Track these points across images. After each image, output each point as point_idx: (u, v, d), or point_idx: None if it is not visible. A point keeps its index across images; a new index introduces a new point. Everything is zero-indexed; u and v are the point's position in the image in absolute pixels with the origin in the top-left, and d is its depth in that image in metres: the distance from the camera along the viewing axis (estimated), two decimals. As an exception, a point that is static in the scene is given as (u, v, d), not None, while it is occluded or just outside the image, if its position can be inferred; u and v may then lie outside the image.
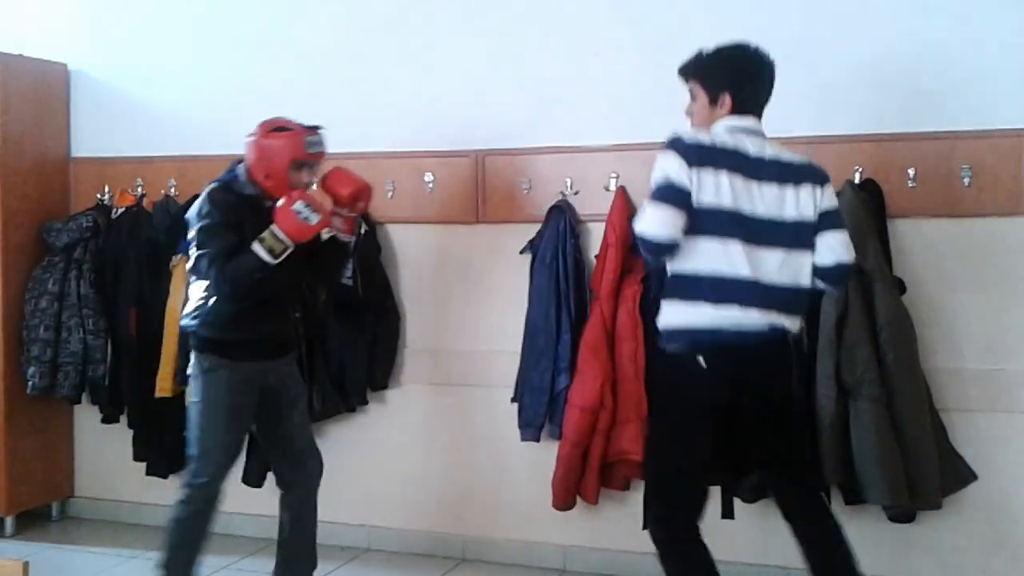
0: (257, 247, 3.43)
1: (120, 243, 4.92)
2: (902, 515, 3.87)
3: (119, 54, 5.18)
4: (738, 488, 4.01)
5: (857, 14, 4.04)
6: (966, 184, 3.88)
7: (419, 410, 4.68)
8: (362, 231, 4.53)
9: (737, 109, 3.15)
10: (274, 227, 3.44)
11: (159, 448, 4.87)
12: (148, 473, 4.91)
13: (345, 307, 4.54)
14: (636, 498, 4.19)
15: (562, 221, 4.25)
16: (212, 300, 3.56)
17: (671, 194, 3.00)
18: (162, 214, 4.91)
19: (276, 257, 3.43)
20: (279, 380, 3.77)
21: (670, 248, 3.03)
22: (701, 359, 3.07)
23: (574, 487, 4.14)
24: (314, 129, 3.66)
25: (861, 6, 4.03)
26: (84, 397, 5.06)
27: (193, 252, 3.56)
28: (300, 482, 3.89)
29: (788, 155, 3.16)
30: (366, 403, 4.68)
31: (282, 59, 4.86)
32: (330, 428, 4.75)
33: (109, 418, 5.02)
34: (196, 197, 4.79)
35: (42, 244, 4.97)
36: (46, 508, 5.21)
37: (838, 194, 3.86)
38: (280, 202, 3.48)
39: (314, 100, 4.78)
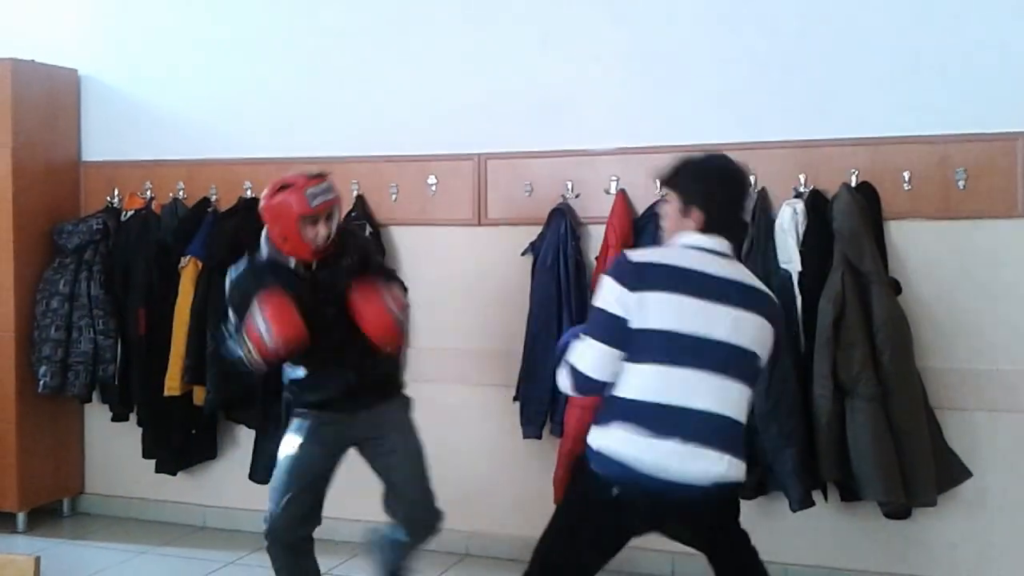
0: (241, 346, 3.22)
1: (129, 245, 4.92)
2: (897, 512, 3.86)
3: (128, 60, 5.18)
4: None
5: (853, 21, 4.03)
6: (960, 187, 3.87)
7: (423, 408, 4.63)
8: (366, 233, 4.53)
9: (706, 227, 2.82)
10: (248, 341, 3.19)
11: (168, 446, 4.87)
12: (157, 470, 4.91)
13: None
14: (636, 495, 4.19)
15: (563, 223, 4.24)
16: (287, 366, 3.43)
17: (607, 329, 2.73)
18: (170, 217, 4.92)
19: (253, 367, 3.23)
20: (370, 430, 3.53)
21: (602, 388, 2.78)
22: (615, 489, 2.74)
23: (575, 484, 4.13)
24: (318, 177, 3.31)
25: (857, 13, 4.02)
26: (94, 396, 5.06)
27: None
28: (411, 532, 3.64)
29: (755, 282, 2.86)
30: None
31: (287, 65, 4.85)
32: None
33: (119, 416, 5.01)
34: (205, 200, 4.88)
35: (53, 246, 4.97)
36: (57, 504, 5.21)
37: (835, 197, 3.90)
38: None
39: (319, 105, 4.79)
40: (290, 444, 3.48)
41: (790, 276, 3.92)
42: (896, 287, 3.87)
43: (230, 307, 3.39)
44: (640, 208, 4.23)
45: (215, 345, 3.43)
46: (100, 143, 5.22)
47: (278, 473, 3.51)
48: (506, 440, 4.42)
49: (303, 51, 4.84)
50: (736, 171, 2.91)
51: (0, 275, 4.87)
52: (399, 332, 3.42)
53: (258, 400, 4.59)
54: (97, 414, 5.18)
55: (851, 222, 3.80)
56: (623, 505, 2.76)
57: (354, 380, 3.42)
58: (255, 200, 4.74)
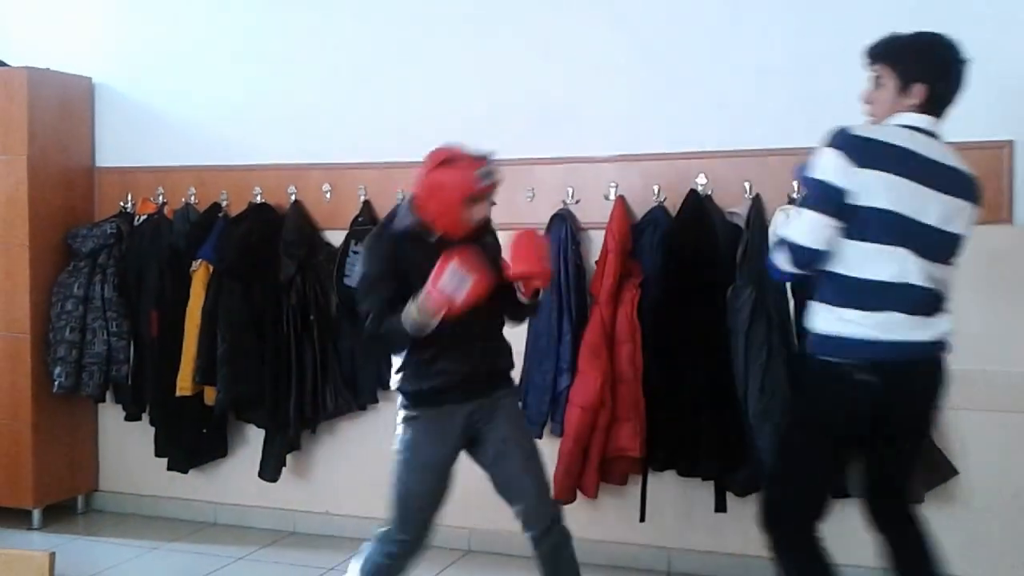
0: (406, 320, 2.97)
1: (142, 249, 4.95)
2: (888, 509, 3.88)
3: (141, 69, 5.21)
4: (731, 482, 4.03)
5: (844, 33, 4.04)
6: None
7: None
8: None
9: (926, 105, 2.81)
10: (421, 301, 2.94)
11: (179, 444, 4.89)
12: (169, 468, 4.93)
13: (356, 310, 4.54)
14: (634, 492, 4.21)
15: (564, 228, 4.26)
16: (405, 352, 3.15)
17: (827, 198, 2.73)
18: (182, 221, 4.94)
19: (422, 331, 2.97)
20: (484, 418, 3.24)
21: (820, 258, 2.77)
22: (857, 371, 2.79)
23: (575, 482, 4.16)
24: (484, 159, 3.12)
25: (848, 25, 4.04)
26: (108, 396, 5.09)
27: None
28: (541, 534, 3.29)
29: (962, 165, 2.86)
30: (376, 402, 4.69)
31: (297, 74, 4.88)
32: (342, 425, 4.78)
33: (132, 416, 5.04)
34: (216, 205, 4.89)
35: (68, 250, 5.00)
36: (72, 501, 5.23)
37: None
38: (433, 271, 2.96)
39: (328, 113, 4.81)
40: (414, 457, 3.20)
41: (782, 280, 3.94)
42: (887, 291, 3.89)
43: (370, 283, 3.11)
44: (639, 214, 4.26)
45: (369, 331, 3.09)
46: (113, 150, 5.25)
47: (407, 495, 3.21)
48: (508, 439, 4.44)
49: (312, 61, 4.86)
50: (956, 44, 2.87)
51: (16, 278, 4.90)
52: (547, 276, 3.18)
53: (267, 400, 4.62)
54: (110, 414, 5.21)
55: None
56: (864, 385, 2.78)
57: (479, 361, 3.20)
58: (265, 205, 4.80)
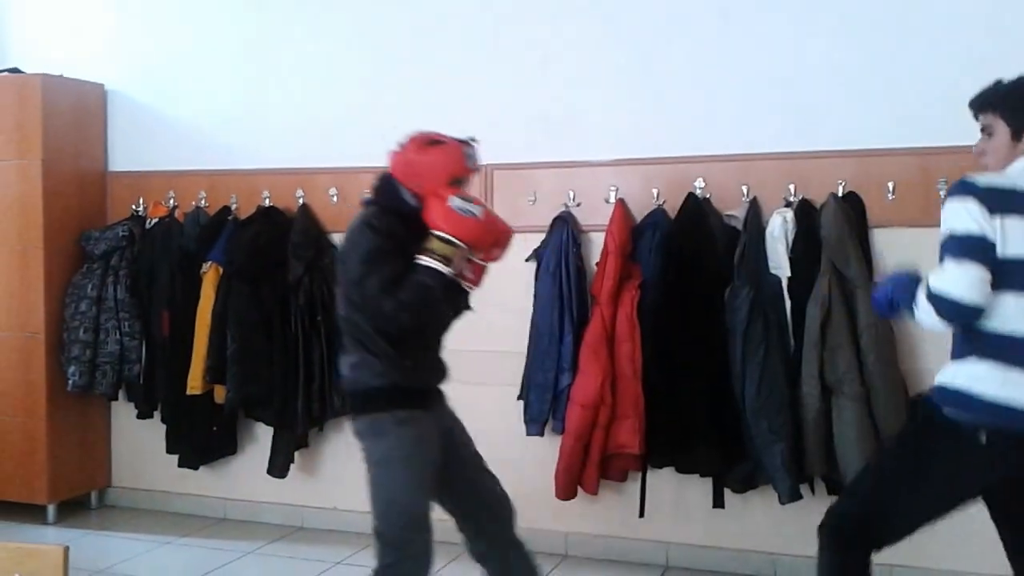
0: (426, 260, 2.76)
1: (154, 251, 4.96)
2: (882, 505, 3.88)
3: (152, 75, 5.22)
4: (729, 478, 4.03)
5: (840, 39, 4.05)
6: (942, 196, 3.87)
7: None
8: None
9: None
10: (438, 232, 2.77)
11: (190, 441, 4.90)
12: (180, 465, 4.93)
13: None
14: (633, 488, 4.21)
15: (565, 231, 4.27)
16: (392, 344, 2.87)
17: (976, 248, 2.44)
18: (193, 224, 4.95)
19: (449, 264, 2.78)
20: (450, 419, 3.14)
21: (978, 316, 2.47)
22: (983, 435, 2.50)
23: (575, 478, 4.16)
24: (470, 141, 3.00)
25: (844, 30, 4.04)
26: (121, 394, 5.10)
27: (353, 289, 2.84)
28: (498, 532, 3.17)
29: None
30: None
31: (305, 81, 4.88)
32: (348, 424, 4.77)
33: (144, 414, 5.04)
34: (226, 209, 4.90)
35: (81, 252, 5.01)
36: (85, 497, 5.24)
37: (822, 206, 3.92)
38: (432, 208, 2.82)
39: (335, 118, 4.82)
40: (404, 464, 2.94)
41: (780, 281, 3.94)
42: (881, 292, 3.89)
43: (383, 256, 2.80)
44: (639, 216, 4.26)
45: (391, 309, 2.74)
46: (126, 154, 5.26)
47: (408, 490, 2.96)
48: (510, 437, 4.44)
49: (320, 68, 4.87)
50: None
51: (31, 280, 4.91)
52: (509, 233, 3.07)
53: (276, 399, 4.63)
54: (123, 411, 5.22)
55: (838, 230, 3.83)
56: (992, 452, 2.50)
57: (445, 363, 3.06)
58: (273, 208, 4.81)
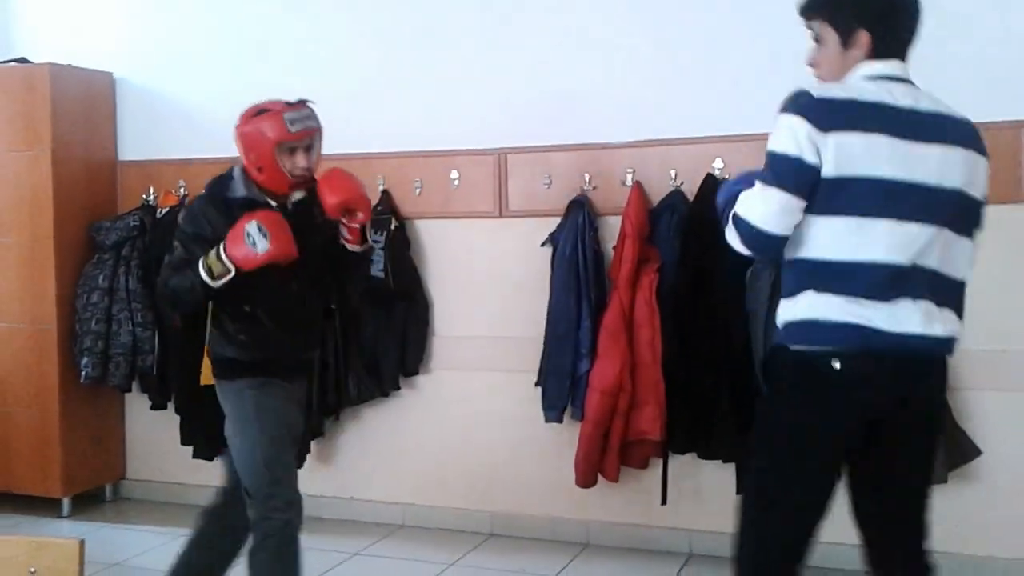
0: (200, 264, 2.93)
1: (165, 241, 4.91)
2: (909, 490, 3.84)
3: (161, 63, 5.21)
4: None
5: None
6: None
7: (448, 394, 4.69)
8: (392, 226, 4.54)
9: (878, 51, 2.35)
10: (221, 246, 2.91)
11: (204, 432, 4.87)
12: (195, 456, 4.92)
13: (377, 298, 4.55)
14: (654, 476, 4.19)
15: (581, 215, 4.24)
16: (232, 321, 3.11)
17: (791, 173, 2.24)
18: (204, 213, 4.93)
19: (215, 279, 2.91)
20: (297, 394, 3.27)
21: (778, 244, 2.31)
22: (836, 362, 2.26)
23: (595, 466, 4.14)
24: (298, 104, 3.04)
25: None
26: (134, 386, 5.10)
27: None
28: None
29: (948, 109, 2.36)
30: (399, 388, 4.69)
31: (315, 65, 4.86)
32: (365, 412, 4.78)
33: (157, 405, 5.05)
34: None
35: (92, 243, 5.00)
36: (100, 490, 5.26)
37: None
38: (237, 223, 2.93)
39: (346, 104, 4.78)
40: (253, 426, 3.07)
41: (801, 263, 3.90)
42: (906, 272, 3.84)
43: (185, 238, 3.03)
44: (655, 199, 4.23)
45: (161, 280, 3.06)
46: (135, 143, 5.25)
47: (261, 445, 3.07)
48: (529, 424, 4.43)
49: (330, 52, 4.85)
50: None
51: (42, 271, 4.91)
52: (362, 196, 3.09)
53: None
54: (137, 403, 5.22)
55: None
56: (850, 381, 2.26)
57: (299, 343, 3.20)
58: (284, 196, 4.79)
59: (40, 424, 4.95)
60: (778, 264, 3.80)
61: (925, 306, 2.27)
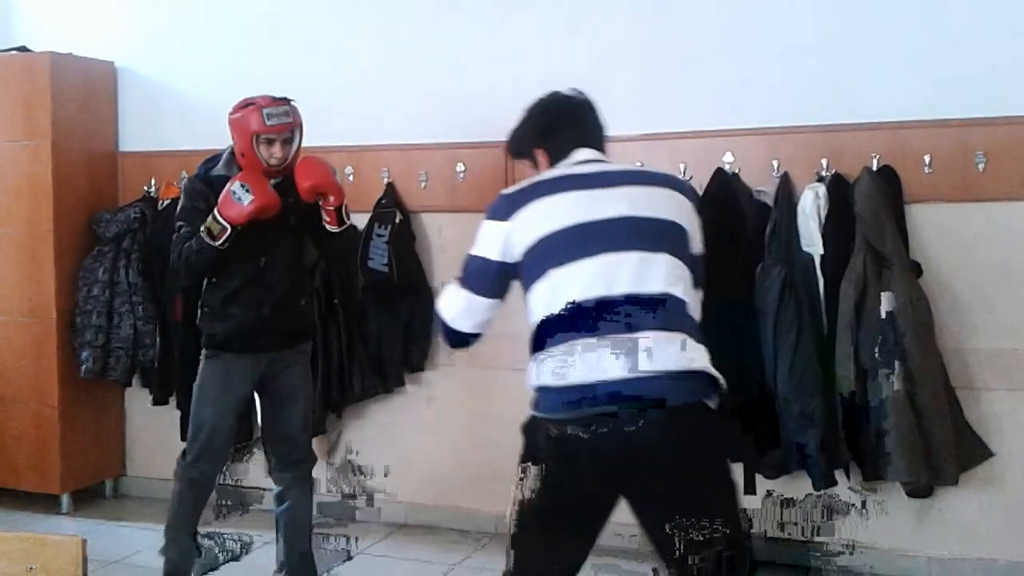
0: (202, 229, 3.41)
1: (167, 233, 4.88)
2: (920, 490, 3.85)
3: (164, 52, 5.20)
4: (760, 464, 4.00)
5: (874, 5, 4.00)
6: (981, 169, 3.84)
7: (453, 390, 4.69)
8: (397, 220, 4.54)
9: (562, 154, 2.55)
10: (215, 209, 3.39)
11: (206, 428, 4.90)
12: (196, 452, 4.95)
13: (382, 293, 4.56)
14: (662, 475, 4.19)
15: (589, 209, 4.23)
16: (203, 291, 3.64)
17: (477, 274, 2.46)
18: (206, 205, 4.94)
19: (215, 238, 3.38)
20: (280, 369, 3.68)
21: (469, 340, 2.56)
22: (553, 429, 2.30)
23: (601, 464, 4.14)
24: (280, 100, 3.50)
25: (878, -3, 4.00)
26: (135, 380, 5.09)
27: None
28: (289, 478, 3.79)
29: (648, 167, 2.66)
30: (403, 384, 4.70)
31: (319, 55, 4.86)
32: (370, 408, 4.78)
33: (158, 400, 5.04)
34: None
35: (92, 235, 5.01)
36: (100, 486, 5.27)
37: (856, 181, 3.87)
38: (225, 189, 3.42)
39: (350, 95, 4.79)
40: (201, 389, 3.65)
41: (812, 259, 3.90)
42: (917, 269, 3.85)
43: (183, 212, 3.57)
44: (664, 193, 4.22)
45: (173, 252, 3.56)
46: (137, 134, 5.25)
47: (197, 411, 3.65)
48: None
49: (334, 42, 4.84)
50: (554, 95, 2.67)
51: (41, 263, 4.92)
52: (332, 182, 3.54)
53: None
54: (137, 398, 5.23)
55: (872, 205, 3.78)
56: (562, 442, 2.27)
57: (267, 315, 3.56)
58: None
59: (39, 419, 4.95)
60: (790, 263, 3.86)
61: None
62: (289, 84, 4.87)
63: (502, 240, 2.40)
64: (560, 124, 2.61)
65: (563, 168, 2.52)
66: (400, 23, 4.72)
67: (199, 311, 3.68)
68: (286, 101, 3.51)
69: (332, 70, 4.83)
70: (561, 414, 2.27)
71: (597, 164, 2.52)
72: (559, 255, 2.32)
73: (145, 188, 5.14)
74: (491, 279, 2.45)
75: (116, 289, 4.90)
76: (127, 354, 4.90)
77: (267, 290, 3.59)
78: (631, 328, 2.24)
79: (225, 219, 3.36)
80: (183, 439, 4.91)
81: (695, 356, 2.29)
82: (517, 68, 4.50)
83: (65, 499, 5.02)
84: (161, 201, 5.04)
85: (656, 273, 2.32)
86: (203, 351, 3.67)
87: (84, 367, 4.87)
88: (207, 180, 3.55)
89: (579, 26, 4.41)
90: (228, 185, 3.38)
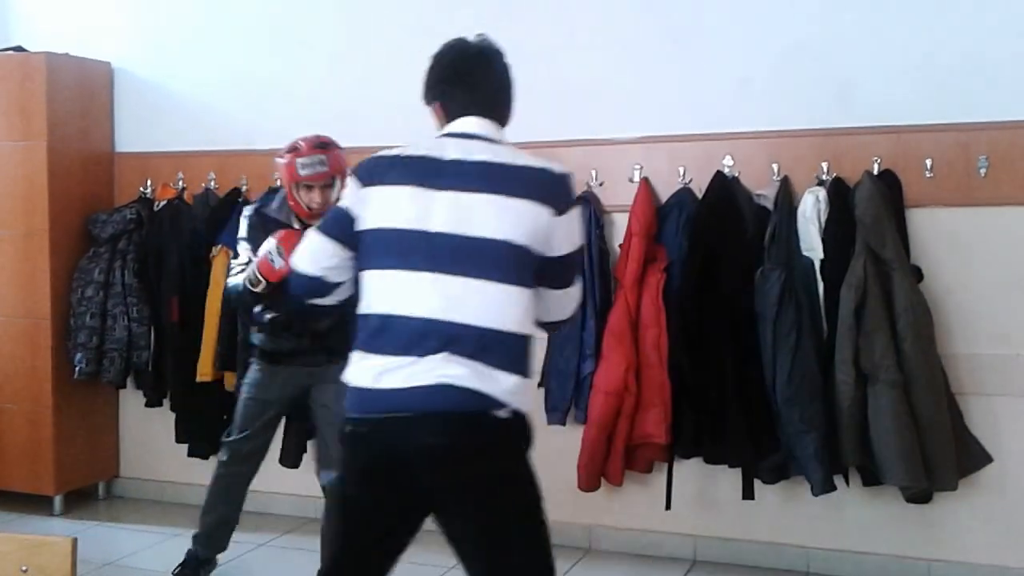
0: (243, 273, 3.56)
1: (162, 234, 4.94)
2: (919, 496, 3.84)
3: (161, 53, 5.19)
4: (759, 469, 3.99)
5: (875, 9, 3.99)
6: (982, 174, 3.83)
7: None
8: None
9: (452, 115, 2.45)
10: (255, 262, 3.51)
11: (200, 430, 4.88)
12: (190, 454, 4.92)
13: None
14: (659, 479, 4.17)
15: (587, 212, 4.21)
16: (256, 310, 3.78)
17: (334, 221, 2.43)
18: (202, 206, 4.93)
19: (254, 286, 3.49)
20: (308, 379, 3.82)
21: (313, 286, 2.45)
22: (347, 426, 2.30)
23: (599, 469, 4.12)
24: (319, 148, 3.59)
25: (879, 1, 3.98)
26: (129, 382, 5.08)
27: None
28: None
29: (515, 160, 2.34)
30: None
31: (318, 58, 4.84)
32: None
33: (152, 402, 5.03)
34: (236, 190, 4.89)
35: (88, 235, 4.99)
36: (93, 488, 5.24)
37: (857, 185, 3.85)
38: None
39: (349, 97, 4.78)
40: (242, 392, 3.91)
41: (812, 264, 3.89)
42: (918, 274, 3.84)
43: (239, 241, 3.77)
44: (664, 196, 4.21)
45: (233, 293, 3.71)
46: (133, 135, 5.23)
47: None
48: (531, 426, 4.42)
49: (332, 44, 4.83)
50: (462, 45, 2.53)
51: (36, 264, 4.89)
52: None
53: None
54: (131, 400, 5.21)
55: (873, 210, 3.77)
56: (354, 441, 2.30)
57: (304, 340, 3.73)
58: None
59: (32, 419, 4.93)
60: (790, 267, 3.85)
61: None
62: (287, 85, 4.90)
63: (355, 201, 2.38)
64: (453, 80, 2.48)
65: (429, 143, 2.41)
66: (398, 26, 4.70)
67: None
68: (325, 148, 3.61)
69: (329, 73, 4.82)
70: (359, 414, 2.29)
71: (466, 144, 2.36)
72: (381, 257, 2.30)
73: (141, 189, 5.12)
74: (344, 226, 2.38)
75: (111, 291, 4.89)
76: (121, 356, 4.88)
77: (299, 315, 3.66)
78: (424, 352, 2.20)
79: (261, 275, 3.46)
80: (178, 441, 4.92)
81: (466, 375, 2.20)
82: (515, 70, 4.45)
83: (58, 500, 4.99)
84: (157, 202, 5.03)
85: (471, 300, 2.22)
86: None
87: (78, 369, 4.85)
88: (262, 217, 3.73)
89: (578, 29, 4.40)
90: (266, 244, 3.45)
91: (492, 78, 2.51)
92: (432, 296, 2.22)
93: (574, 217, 2.38)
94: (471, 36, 2.55)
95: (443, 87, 2.48)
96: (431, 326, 2.20)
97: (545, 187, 2.31)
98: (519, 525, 2.31)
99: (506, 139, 2.46)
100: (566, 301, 2.47)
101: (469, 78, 2.48)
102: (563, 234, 2.32)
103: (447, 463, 2.24)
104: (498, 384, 2.21)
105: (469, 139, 2.38)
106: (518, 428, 2.30)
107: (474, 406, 2.20)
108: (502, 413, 2.23)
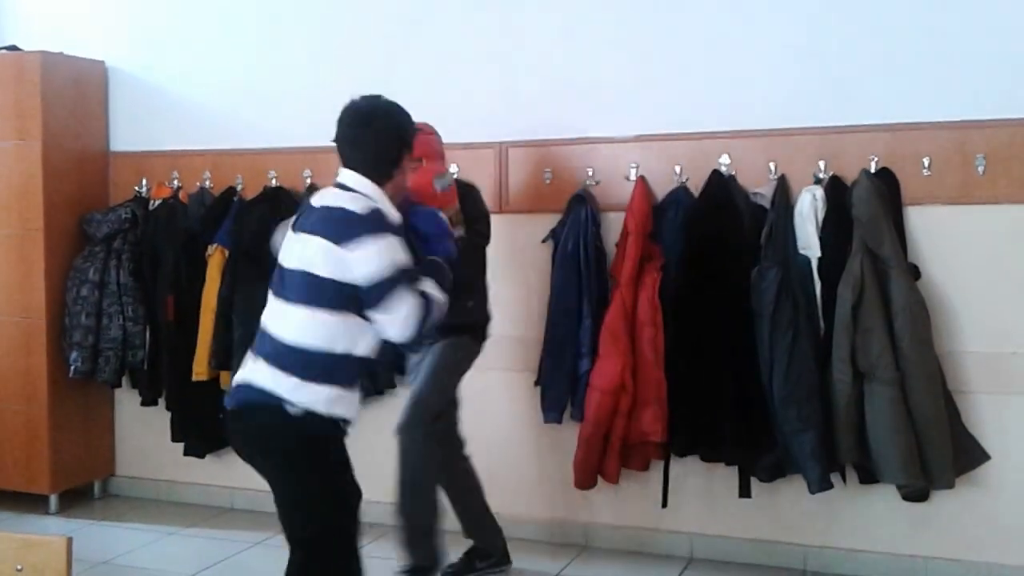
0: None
1: (157, 234, 4.92)
2: (916, 494, 3.83)
3: (155, 52, 5.17)
4: (756, 467, 3.98)
5: (872, 7, 3.98)
6: (980, 172, 3.82)
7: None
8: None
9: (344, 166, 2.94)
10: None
11: (196, 429, 4.87)
12: (185, 453, 4.91)
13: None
14: (656, 477, 4.16)
15: (584, 210, 4.20)
16: None
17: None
18: (197, 205, 4.92)
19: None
20: None
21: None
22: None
23: (595, 467, 4.11)
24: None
25: (875, 1, 3.97)
26: (124, 381, 5.06)
27: None
28: None
29: (330, 201, 2.81)
30: (394, 387, 4.65)
31: (312, 56, 4.83)
32: (361, 411, 4.73)
33: (148, 401, 5.02)
34: (231, 189, 4.86)
35: (83, 235, 4.97)
36: (88, 486, 5.22)
37: (854, 183, 3.85)
38: None
39: (343, 95, 4.72)
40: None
41: (809, 262, 3.88)
42: (915, 272, 3.83)
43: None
44: (660, 194, 4.20)
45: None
46: (128, 134, 5.21)
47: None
48: (528, 424, 4.41)
49: (327, 42, 4.81)
50: (345, 106, 3.01)
51: (31, 263, 4.87)
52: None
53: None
54: (127, 399, 5.19)
55: (870, 208, 3.76)
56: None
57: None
58: (280, 189, 4.77)
59: (28, 419, 4.91)
60: (786, 265, 3.84)
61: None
62: (282, 84, 4.88)
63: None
64: (339, 136, 2.95)
65: (320, 191, 2.94)
66: (394, 25, 4.69)
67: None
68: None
69: (325, 72, 4.80)
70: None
71: (324, 196, 2.84)
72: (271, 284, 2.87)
73: (136, 188, 5.10)
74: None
75: (106, 290, 4.87)
76: (116, 355, 4.86)
77: None
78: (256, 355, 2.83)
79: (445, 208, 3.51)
80: (173, 440, 4.90)
81: (265, 379, 2.77)
82: (512, 69, 4.48)
83: (53, 499, 4.98)
84: (152, 201, 5.01)
85: (288, 319, 2.77)
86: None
87: (73, 368, 4.83)
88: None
89: (574, 27, 4.38)
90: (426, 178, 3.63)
91: (367, 135, 2.93)
92: (273, 316, 2.82)
93: (367, 247, 2.69)
94: (359, 97, 3.01)
95: (337, 143, 2.95)
96: (264, 336, 2.82)
97: (331, 224, 2.73)
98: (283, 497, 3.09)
99: (366, 186, 2.83)
100: (387, 323, 2.74)
101: (348, 136, 2.94)
102: (354, 263, 2.69)
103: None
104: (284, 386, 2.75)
105: (335, 187, 2.87)
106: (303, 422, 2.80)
107: (261, 401, 2.78)
108: (291, 409, 2.75)
